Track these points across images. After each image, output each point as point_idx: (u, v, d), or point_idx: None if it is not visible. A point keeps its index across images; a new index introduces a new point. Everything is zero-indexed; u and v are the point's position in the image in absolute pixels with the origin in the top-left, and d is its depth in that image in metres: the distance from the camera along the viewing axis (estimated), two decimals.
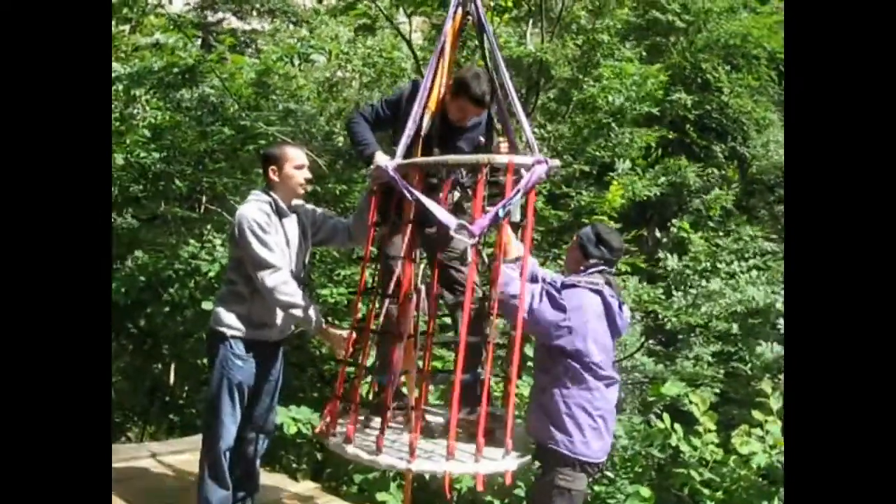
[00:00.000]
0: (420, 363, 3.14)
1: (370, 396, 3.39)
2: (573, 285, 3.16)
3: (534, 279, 3.35)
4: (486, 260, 3.40)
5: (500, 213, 2.86)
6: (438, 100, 3.24)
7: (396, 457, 2.81)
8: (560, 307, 3.05)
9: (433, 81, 3.20)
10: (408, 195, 2.91)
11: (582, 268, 3.27)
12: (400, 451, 2.85)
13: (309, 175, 3.47)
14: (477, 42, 3.45)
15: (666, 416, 4.71)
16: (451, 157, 3.06)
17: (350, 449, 2.94)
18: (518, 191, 2.86)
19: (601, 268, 3.25)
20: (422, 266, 3.11)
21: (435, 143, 3.22)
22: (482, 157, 2.95)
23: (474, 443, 2.80)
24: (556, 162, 3.13)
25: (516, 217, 2.98)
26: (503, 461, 2.85)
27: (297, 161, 3.41)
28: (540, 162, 2.93)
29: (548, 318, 3.05)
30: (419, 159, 3.05)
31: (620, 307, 3.25)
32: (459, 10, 3.26)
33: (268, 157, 3.47)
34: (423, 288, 2.97)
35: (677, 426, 4.60)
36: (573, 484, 3.10)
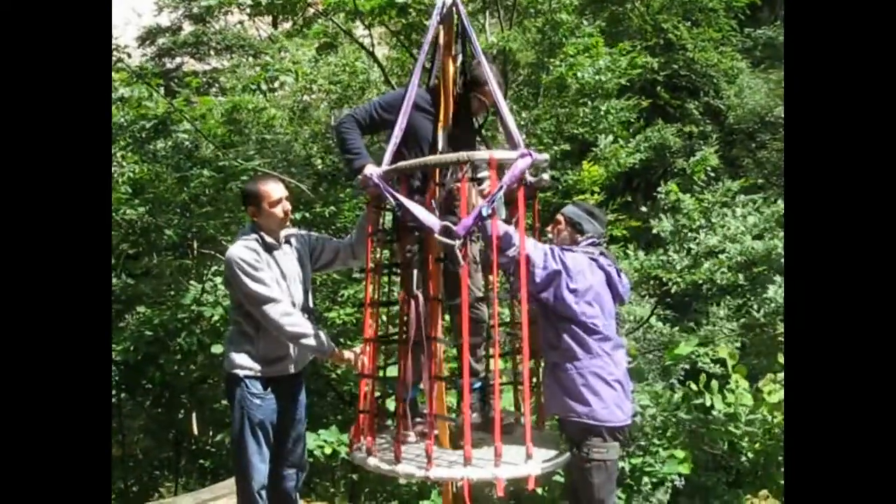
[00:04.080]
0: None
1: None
2: (570, 250, 3.25)
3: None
4: (478, 258, 3.40)
5: (484, 212, 2.78)
6: (446, 114, 3.19)
7: (415, 466, 2.79)
8: (545, 251, 3.12)
9: (439, 96, 3.18)
10: (392, 201, 2.90)
11: (578, 241, 3.35)
12: (419, 459, 2.83)
13: (288, 207, 3.43)
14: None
15: (703, 376, 4.71)
16: (433, 158, 3.01)
17: (371, 461, 2.94)
18: (501, 186, 2.78)
19: (593, 240, 3.35)
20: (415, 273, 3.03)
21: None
22: (462, 155, 2.88)
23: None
24: (544, 156, 3.05)
25: (502, 214, 2.90)
26: (525, 465, 2.74)
27: (272, 197, 3.37)
28: (524, 155, 2.84)
29: (536, 257, 3.07)
30: (402, 164, 3.00)
31: (619, 274, 3.34)
32: (442, 23, 3.15)
33: (245, 197, 3.46)
34: (419, 294, 2.91)
35: (714, 382, 4.60)
36: (607, 455, 3.13)
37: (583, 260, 3.21)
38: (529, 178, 2.98)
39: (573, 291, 3.12)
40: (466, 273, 2.84)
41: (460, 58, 3.28)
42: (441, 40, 3.19)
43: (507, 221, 3.05)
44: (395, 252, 3.28)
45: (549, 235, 3.51)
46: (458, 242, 2.76)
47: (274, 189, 3.40)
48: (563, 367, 3.16)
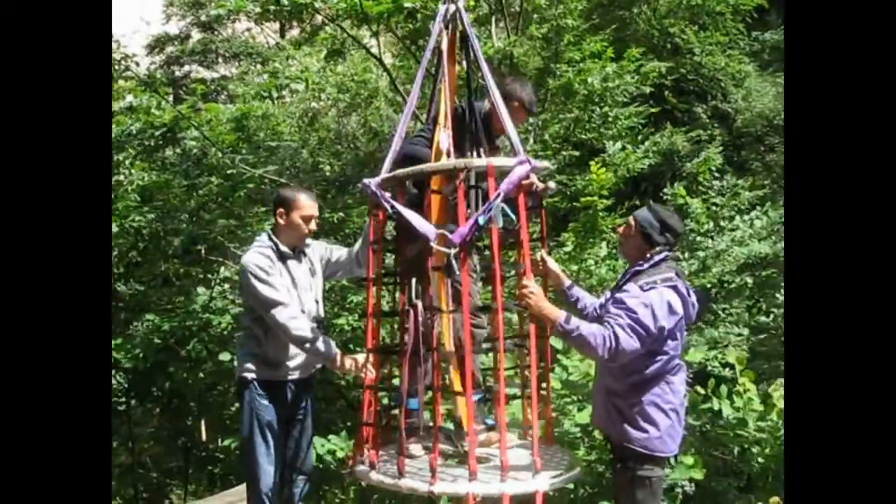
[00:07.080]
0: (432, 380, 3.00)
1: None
2: (653, 287, 2.96)
3: (583, 310, 3.34)
4: (478, 268, 3.35)
5: (481, 220, 2.73)
6: (452, 116, 3.16)
7: (419, 480, 2.73)
8: (640, 334, 2.87)
9: (440, 100, 3.17)
10: (388, 209, 2.89)
11: (648, 256, 3.08)
12: (423, 473, 2.76)
13: (314, 227, 3.48)
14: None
15: (711, 380, 4.67)
16: (429, 165, 2.99)
17: (374, 475, 2.88)
18: (498, 194, 2.73)
19: (665, 255, 3.08)
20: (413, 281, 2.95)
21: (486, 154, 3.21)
22: (458, 162, 2.87)
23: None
24: (544, 163, 3.03)
25: (499, 223, 2.80)
26: (532, 481, 2.69)
27: (305, 212, 3.43)
28: (522, 162, 2.79)
29: (632, 350, 2.87)
30: (399, 171, 2.98)
31: (689, 293, 3.09)
32: (446, 28, 3.16)
33: (279, 200, 3.48)
34: (418, 303, 2.84)
35: (723, 387, 4.56)
36: (653, 472, 3.05)
37: (667, 295, 2.95)
38: (537, 185, 2.95)
39: (664, 339, 2.98)
40: (466, 281, 2.79)
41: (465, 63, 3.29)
42: (444, 46, 3.17)
43: (508, 230, 2.96)
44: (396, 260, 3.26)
45: (617, 237, 3.33)
46: (454, 251, 2.72)
47: (310, 205, 3.46)
48: (624, 396, 3.05)
